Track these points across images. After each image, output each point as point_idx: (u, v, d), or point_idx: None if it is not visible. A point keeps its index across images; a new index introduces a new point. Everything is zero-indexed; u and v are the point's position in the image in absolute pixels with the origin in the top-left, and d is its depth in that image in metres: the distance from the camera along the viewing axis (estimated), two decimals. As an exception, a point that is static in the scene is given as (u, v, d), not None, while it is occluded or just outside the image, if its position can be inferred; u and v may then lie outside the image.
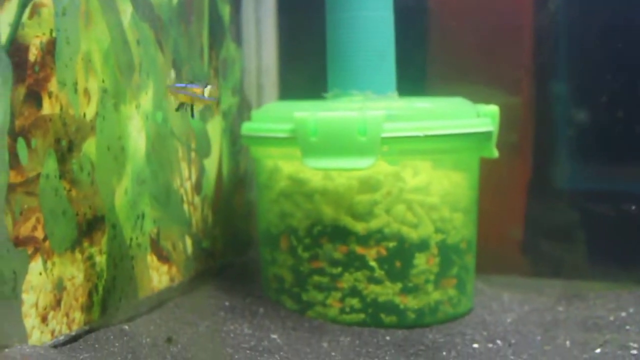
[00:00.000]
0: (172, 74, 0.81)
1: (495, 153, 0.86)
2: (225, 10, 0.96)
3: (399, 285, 0.79)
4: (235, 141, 0.97)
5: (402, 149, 0.78)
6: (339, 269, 0.79)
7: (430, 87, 1.06)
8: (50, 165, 0.62)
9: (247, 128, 0.84)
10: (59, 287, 0.63)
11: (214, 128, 0.92)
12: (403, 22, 0.98)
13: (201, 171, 0.89)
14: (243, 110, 1.00)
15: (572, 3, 1.01)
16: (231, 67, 0.97)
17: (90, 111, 0.66)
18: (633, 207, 0.99)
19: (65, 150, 0.63)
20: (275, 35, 1.06)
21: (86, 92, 0.66)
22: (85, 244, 0.67)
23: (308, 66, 0.96)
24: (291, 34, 1.08)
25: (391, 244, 0.78)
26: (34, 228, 0.60)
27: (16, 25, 0.58)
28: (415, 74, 1.06)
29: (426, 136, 0.77)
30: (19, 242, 0.59)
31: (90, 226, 0.67)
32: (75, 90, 0.64)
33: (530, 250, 1.04)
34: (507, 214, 1.06)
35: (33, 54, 0.59)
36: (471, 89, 1.03)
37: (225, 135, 0.95)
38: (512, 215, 1.06)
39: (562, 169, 1.05)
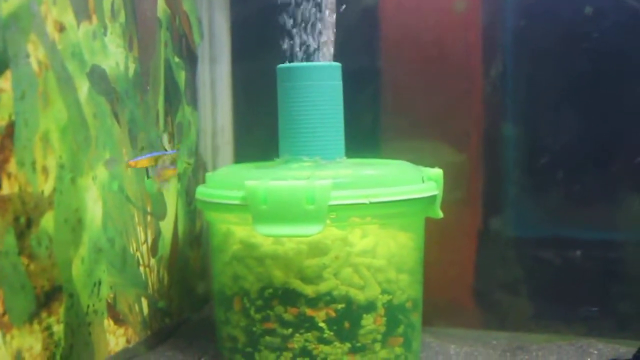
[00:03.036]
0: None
1: (440, 214, 0.90)
2: (181, 76, 0.99)
3: (348, 345, 0.82)
4: (190, 201, 1.00)
5: (349, 215, 0.82)
6: (290, 330, 0.82)
7: (383, 144, 1.10)
8: (9, 242, 0.65)
9: (201, 193, 0.88)
10: (18, 358, 0.66)
11: (170, 190, 0.95)
12: (356, 83, 1.02)
13: (157, 233, 0.92)
14: (198, 170, 1.04)
15: (520, 65, 1.05)
16: (187, 130, 1.00)
17: (48, 187, 0.69)
18: (578, 252, 1.03)
19: (24, 227, 0.66)
20: (230, 96, 1.10)
21: (44, 169, 0.69)
22: (44, 315, 0.69)
23: (262, 126, 0.99)
24: (246, 96, 1.11)
25: (340, 306, 0.82)
26: (-7, 304, 0.63)
27: (-24, 112, 0.61)
28: (369, 132, 1.10)
29: (372, 203, 0.80)
30: (-22, 319, 0.61)
31: (48, 297, 0.70)
32: (34, 169, 0.67)
33: (478, 301, 1.08)
34: (457, 265, 1.09)
35: (-7, 138, 0.62)
36: (422, 146, 1.08)
37: (181, 196, 0.98)
38: (462, 266, 1.09)
39: (510, 218, 1.08)
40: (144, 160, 0.87)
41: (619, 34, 0.99)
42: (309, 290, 0.82)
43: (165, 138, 0.93)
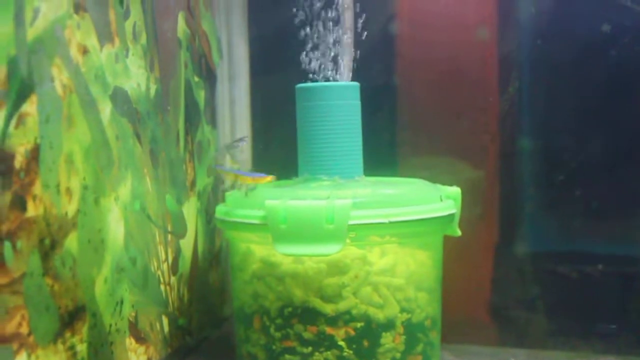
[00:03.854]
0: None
1: (458, 232, 0.91)
2: (201, 95, 1.00)
3: (367, 363, 0.83)
4: (210, 220, 1.01)
5: (369, 234, 0.82)
6: (310, 349, 0.83)
7: (400, 161, 1.11)
8: (34, 264, 0.65)
9: (221, 212, 0.88)
10: (42, 378, 0.67)
11: (189, 209, 0.96)
12: (374, 101, 1.03)
13: (177, 252, 0.92)
14: (218, 189, 1.04)
15: (536, 81, 1.06)
16: (206, 148, 1.01)
17: (71, 209, 0.70)
18: (595, 268, 1.04)
19: (49, 248, 0.67)
20: (248, 114, 1.11)
21: (68, 191, 0.70)
22: (67, 335, 0.70)
23: (281, 144, 1.00)
24: (264, 114, 1.12)
25: (359, 324, 0.82)
26: (19, 325, 0.64)
27: (3, 135, 0.62)
28: (387, 150, 1.11)
29: (391, 222, 0.81)
30: (4, 339, 0.62)
31: (72, 317, 0.71)
32: (58, 191, 0.68)
33: (495, 318, 1.08)
34: (474, 281, 1.09)
35: (18, 162, 0.63)
36: (440, 162, 1.08)
37: (201, 215, 0.99)
38: (479, 283, 1.10)
39: (527, 233, 1.09)
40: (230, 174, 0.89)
41: (636, 50, 1.00)
42: (329, 309, 0.82)
43: (186, 157, 0.94)
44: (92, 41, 0.74)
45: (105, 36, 0.77)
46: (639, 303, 1.02)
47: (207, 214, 1.01)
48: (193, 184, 0.97)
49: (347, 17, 0.96)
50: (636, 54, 1.00)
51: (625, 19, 1.00)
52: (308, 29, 0.95)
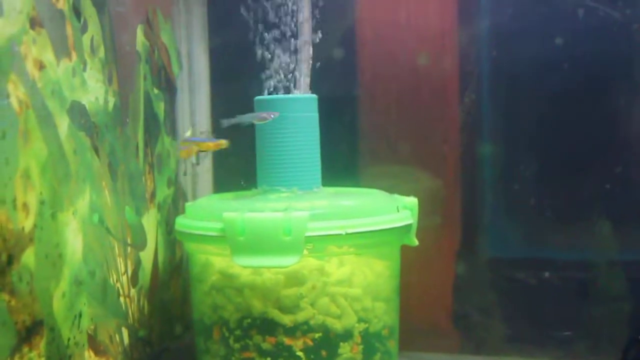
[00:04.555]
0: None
1: (415, 242, 0.92)
2: (160, 107, 1.01)
3: (326, 373, 0.84)
4: (170, 231, 1.01)
5: (326, 245, 0.83)
6: (268, 359, 0.84)
7: (361, 170, 1.12)
8: (-10, 280, 0.66)
9: (180, 224, 0.89)
10: (-1, 393, 0.67)
11: (149, 220, 0.96)
12: (335, 110, 1.04)
13: (137, 264, 0.93)
14: (178, 200, 1.05)
15: (495, 91, 1.08)
16: (166, 160, 1.02)
17: (28, 224, 0.71)
18: (552, 274, 1.05)
19: (5, 264, 0.67)
20: (209, 125, 1.12)
21: (25, 206, 0.70)
22: (25, 350, 0.70)
23: (241, 155, 1.01)
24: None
25: (317, 335, 0.83)
26: (-25, 341, 0.64)
27: (-42, 152, 0.62)
28: (347, 159, 1.12)
29: (348, 234, 0.82)
30: (-40, 356, 0.63)
31: (29, 332, 0.71)
32: (14, 207, 0.68)
33: (456, 325, 1.10)
34: (435, 288, 1.11)
35: (-26, 178, 0.64)
36: (400, 171, 1.10)
37: (161, 226, 0.99)
38: (440, 289, 1.11)
39: (487, 239, 1.11)
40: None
41: (588, 63, 1.02)
42: (287, 319, 0.83)
43: (145, 169, 0.95)
44: (49, 56, 0.75)
45: (62, 51, 0.77)
46: (593, 309, 1.04)
47: (168, 225, 1.01)
48: (153, 195, 0.98)
49: (306, 29, 0.97)
50: (588, 67, 1.02)
51: (578, 33, 1.03)
52: (266, 41, 0.96)
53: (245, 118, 0.89)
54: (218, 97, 1.13)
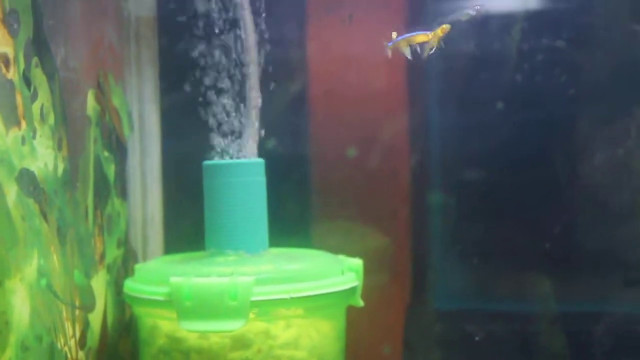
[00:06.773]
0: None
1: (361, 303, 0.94)
2: (111, 169, 1.02)
3: None
4: (120, 291, 1.02)
5: (272, 309, 0.85)
6: (215, 422, 0.85)
7: (313, 226, 1.14)
8: None
9: (129, 288, 0.90)
10: None
11: (98, 282, 0.97)
12: (286, 167, 1.07)
13: (85, 326, 0.94)
14: (128, 260, 1.06)
15: (444, 147, 1.11)
16: (116, 221, 1.03)
17: (-26, 293, 0.71)
18: (477, 338, 1.08)
19: (-50, 334, 0.68)
20: (160, 187, 1.13)
21: (-29, 275, 0.71)
22: (-32, 419, 0.71)
23: (192, 217, 1.02)
24: (176, 186, 1.15)
25: (262, 398, 0.85)
26: None
27: None
28: (299, 216, 1.14)
29: (293, 298, 0.84)
30: None
31: (-26, 401, 0.71)
32: (-40, 277, 0.69)
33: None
34: (386, 344, 1.13)
35: None
36: (351, 227, 1.12)
37: (110, 287, 1.00)
38: (392, 345, 1.13)
39: (437, 292, 1.13)
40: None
41: (532, 118, 1.06)
42: (233, 382, 0.84)
43: (95, 232, 0.96)
44: (-2, 126, 0.76)
45: (11, 120, 0.79)
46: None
47: (117, 286, 1.02)
48: (102, 257, 0.99)
49: (254, 96, 0.99)
50: (533, 121, 1.06)
51: (519, 90, 1.07)
52: (215, 104, 0.98)
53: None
54: (170, 157, 1.15)
